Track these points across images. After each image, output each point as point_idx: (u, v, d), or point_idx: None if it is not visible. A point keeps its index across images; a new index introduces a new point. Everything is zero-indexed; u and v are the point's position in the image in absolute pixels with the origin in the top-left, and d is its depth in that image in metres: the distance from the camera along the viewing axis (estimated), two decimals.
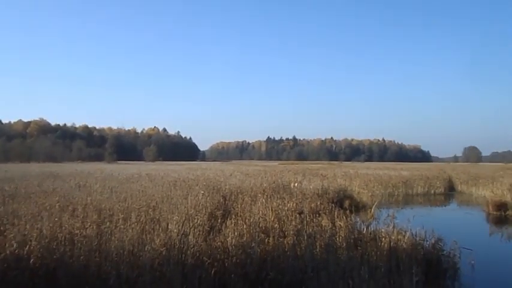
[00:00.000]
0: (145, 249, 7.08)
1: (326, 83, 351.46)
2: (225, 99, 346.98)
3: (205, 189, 16.13)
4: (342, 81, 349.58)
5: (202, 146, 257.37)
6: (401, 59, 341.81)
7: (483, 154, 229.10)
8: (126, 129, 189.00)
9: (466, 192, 33.85)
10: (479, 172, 46.61)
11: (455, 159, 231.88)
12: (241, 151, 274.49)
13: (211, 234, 9.06)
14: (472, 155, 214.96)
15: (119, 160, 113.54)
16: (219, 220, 10.82)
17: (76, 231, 7.70)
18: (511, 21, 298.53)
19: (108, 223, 8.55)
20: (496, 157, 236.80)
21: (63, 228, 7.90)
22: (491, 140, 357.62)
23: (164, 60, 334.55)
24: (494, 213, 20.77)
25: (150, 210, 10.83)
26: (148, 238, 7.66)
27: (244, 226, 9.28)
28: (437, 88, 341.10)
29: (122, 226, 8.23)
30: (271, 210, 11.74)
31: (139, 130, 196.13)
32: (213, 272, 6.70)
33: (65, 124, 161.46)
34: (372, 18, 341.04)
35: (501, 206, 20.90)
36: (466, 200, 29.71)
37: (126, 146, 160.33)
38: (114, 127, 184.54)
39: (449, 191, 34.86)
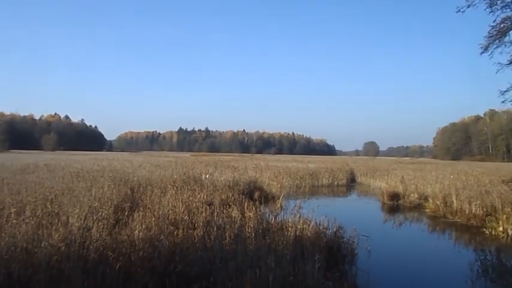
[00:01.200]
0: (42, 245, 6.52)
1: (239, 75, 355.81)
2: (135, 87, 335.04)
3: (112, 181, 15.38)
4: (255, 75, 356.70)
5: (110, 135, 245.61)
6: (311, 59, 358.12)
7: (380, 149, 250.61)
8: (22, 115, 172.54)
9: (365, 184, 36.58)
10: (377, 165, 50.69)
11: (357, 153, 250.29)
12: (152, 142, 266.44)
13: (116, 227, 8.64)
14: (371, 149, 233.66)
15: (12, 149, 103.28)
16: (126, 213, 10.36)
17: None
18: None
19: None
20: (391, 151, 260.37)
21: None
22: (387, 136, 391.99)
23: (67, 41, 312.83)
24: (388, 202, 22.71)
25: (48, 203, 10.00)
26: (45, 233, 7.06)
27: (153, 218, 9.03)
28: (342, 87, 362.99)
29: (15, 221, 7.47)
30: (181, 202, 11.57)
31: (37, 117, 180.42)
32: (117, 266, 6.39)
33: None
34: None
35: (394, 196, 22.94)
36: (365, 191, 32.05)
37: (21, 134, 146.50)
38: (7, 112, 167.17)
39: (351, 183, 37.42)
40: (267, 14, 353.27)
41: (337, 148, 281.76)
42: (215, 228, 8.64)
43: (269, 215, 11.05)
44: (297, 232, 9.13)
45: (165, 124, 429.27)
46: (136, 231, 7.95)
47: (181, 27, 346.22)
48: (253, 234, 8.63)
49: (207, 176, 21.63)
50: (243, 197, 14.88)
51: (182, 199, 11.97)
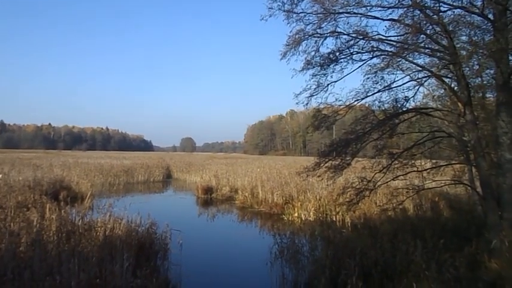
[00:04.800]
0: None
1: (42, 60, 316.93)
2: None
3: None
4: (60, 61, 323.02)
5: None
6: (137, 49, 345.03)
7: (197, 144, 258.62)
8: None
9: (181, 179, 37.26)
10: (193, 160, 52.19)
11: (174, 148, 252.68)
12: None
13: None
14: (188, 145, 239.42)
15: None
16: None
17: None
18: None
19: None
20: (207, 147, 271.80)
21: None
22: (204, 132, 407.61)
23: None
24: (203, 196, 23.68)
25: None
26: None
27: None
28: (155, 82, 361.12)
29: None
30: None
31: None
32: None
33: None
34: None
35: (208, 190, 24.04)
36: (181, 186, 32.63)
37: None
38: None
39: (167, 178, 37.65)
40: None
41: (154, 144, 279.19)
42: (7, 235, 7.51)
43: (75, 216, 10.20)
44: (107, 232, 8.69)
45: None
46: None
47: None
48: (55, 238, 7.84)
49: (0, 175, 18.75)
50: (46, 197, 13.40)
51: None
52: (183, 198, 24.85)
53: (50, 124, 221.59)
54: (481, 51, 8.91)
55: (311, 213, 16.46)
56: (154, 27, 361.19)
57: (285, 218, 16.89)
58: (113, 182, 30.33)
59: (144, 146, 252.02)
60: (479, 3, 8.32)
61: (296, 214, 16.77)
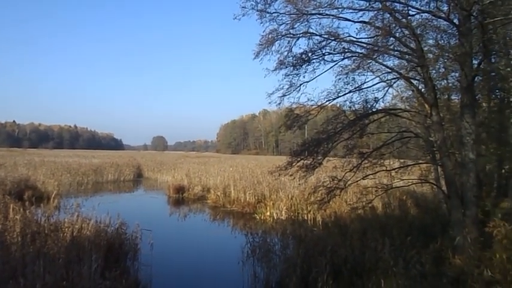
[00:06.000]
0: None
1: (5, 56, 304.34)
2: None
3: None
4: (27, 56, 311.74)
5: None
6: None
7: (169, 143, 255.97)
8: None
9: (153, 178, 36.76)
10: (165, 159, 51.62)
11: (145, 147, 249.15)
12: None
13: None
14: (160, 143, 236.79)
15: None
16: None
17: None
18: None
19: None
20: (179, 146, 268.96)
21: None
22: (176, 131, 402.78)
23: None
24: (174, 195, 23.48)
25: None
26: None
27: None
28: (126, 79, 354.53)
29: None
30: None
31: None
32: None
33: None
34: None
35: (179, 189, 23.85)
36: (152, 185, 32.22)
37: None
38: None
39: (138, 177, 37.10)
40: None
41: (125, 142, 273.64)
42: None
43: (41, 216, 9.90)
44: (74, 232, 8.47)
45: None
46: None
47: None
48: (19, 240, 7.57)
49: None
50: (10, 197, 12.95)
51: None
52: (154, 198, 24.54)
53: (14, 121, 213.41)
54: (446, 54, 9.21)
55: (283, 212, 16.58)
56: (125, 19, 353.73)
57: (257, 217, 16.95)
58: (81, 181, 29.59)
59: (114, 144, 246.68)
60: (445, 9, 8.57)
61: (268, 213, 16.85)
